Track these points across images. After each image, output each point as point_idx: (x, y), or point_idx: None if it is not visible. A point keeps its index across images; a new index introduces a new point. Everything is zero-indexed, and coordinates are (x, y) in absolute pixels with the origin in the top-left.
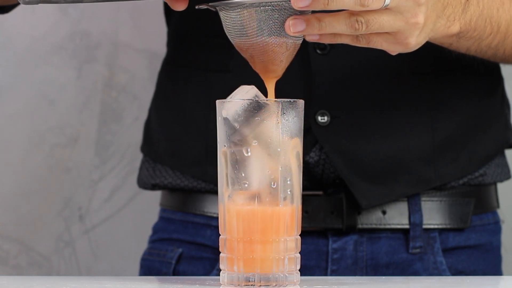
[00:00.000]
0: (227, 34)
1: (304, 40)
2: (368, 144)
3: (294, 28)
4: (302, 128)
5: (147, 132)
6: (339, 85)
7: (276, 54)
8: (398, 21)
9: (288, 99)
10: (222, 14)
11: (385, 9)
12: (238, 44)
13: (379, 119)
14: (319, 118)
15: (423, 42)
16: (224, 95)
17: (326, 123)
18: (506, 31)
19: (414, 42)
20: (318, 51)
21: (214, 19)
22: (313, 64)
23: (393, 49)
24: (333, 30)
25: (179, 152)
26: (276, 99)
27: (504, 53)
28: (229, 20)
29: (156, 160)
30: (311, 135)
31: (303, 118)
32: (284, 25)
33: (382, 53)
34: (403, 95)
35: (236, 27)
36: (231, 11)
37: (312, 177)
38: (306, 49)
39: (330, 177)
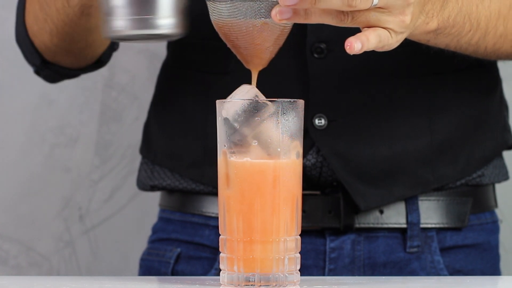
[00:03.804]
0: (213, 24)
1: (301, 44)
2: (366, 146)
3: (281, 15)
4: (302, 128)
5: (146, 134)
6: (336, 89)
7: (259, 46)
8: (385, 17)
9: (288, 99)
10: (210, 5)
11: (374, 7)
12: (223, 33)
13: (376, 122)
14: (316, 121)
15: (403, 39)
16: (223, 97)
17: (323, 127)
18: (486, 27)
19: (395, 40)
20: (315, 55)
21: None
22: (310, 67)
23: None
24: (319, 20)
25: (177, 154)
26: (276, 99)
27: (486, 50)
28: (216, 11)
29: (155, 162)
30: (308, 138)
31: (303, 118)
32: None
33: (379, 56)
34: (400, 97)
35: (222, 18)
36: (218, 3)
37: (309, 179)
38: (303, 53)
39: (327, 180)
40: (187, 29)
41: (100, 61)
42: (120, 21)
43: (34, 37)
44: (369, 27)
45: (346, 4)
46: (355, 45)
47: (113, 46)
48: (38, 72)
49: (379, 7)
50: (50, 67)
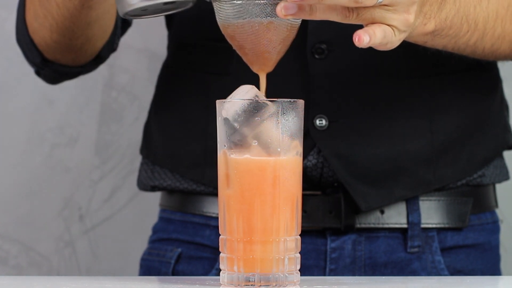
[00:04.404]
0: (219, 25)
1: (302, 45)
2: (367, 147)
3: (286, 11)
4: (302, 128)
5: (146, 134)
6: (337, 89)
7: (265, 47)
8: (390, 15)
9: (288, 99)
10: (215, 5)
11: (379, 5)
12: (229, 34)
13: (377, 123)
14: (317, 122)
15: (403, 39)
16: (223, 98)
17: (324, 127)
18: (484, 28)
19: (397, 38)
20: (316, 56)
21: (213, 22)
22: (311, 68)
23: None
24: (324, 17)
25: (178, 154)
26: (276, 99)
27: (484, 51)
28: (222, 12)
29: (155, 163)
30: (309, 139)
31: (303, 118)
32: (276, 16)
33: (380, 57)
34: (401, 98)
35: (229, 19)
36: (224, 3)
37: (310, 180)
38: (304, 54)
39: (328, 180)
40: None
41: (100, 57)
42: None
43: (34, 34)
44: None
45: (352, 0)
46: (364, 38)
47: (112, 42)
48: (38, 72)
49: (384, 5)
50: (50, 66)
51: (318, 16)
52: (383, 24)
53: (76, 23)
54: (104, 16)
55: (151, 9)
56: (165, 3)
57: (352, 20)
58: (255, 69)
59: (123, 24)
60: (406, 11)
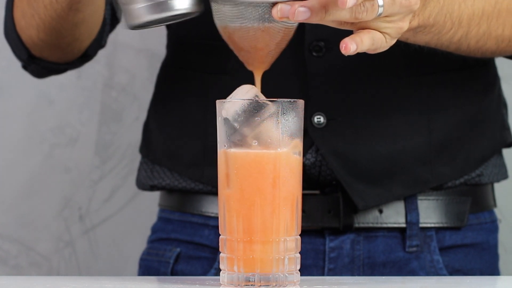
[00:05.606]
0: (217, 26)
1: (300, 43)
2: (365, 145)
3: (282, 13)
4: (302, 128)
5: (146, 133)
6: (335, 87)
7: (261, 50)
8: (385, 24)
9: (288, 99)
10: (214, 6)
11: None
12: (226, 36)
13: (375, 121)
14: (315, 120)
15: (394, 42)
16: (222, 97)
17: (322, 125)
18: (469, 25)
19: (388, 44)
20: (314, 53)
21: (212, 22)
22: (309, 66)
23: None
24: (319, 22)
25: (177, 153)
26: (276, 99)
27: (469, 48)
28: (220, 13)
29: (155, 162)
30: (307, 137)
31: (303, 118)
32: (273, 20)
33: (378, 55)
34: (399, 96)
35: (226, 21)
36: (222, 5)
37: (309, 178)
38: (302, 52)
39: (326, 179)
40: (203, 6)
41: (87, 55)
42: (140, 8)
43: (21, 32)
44: None
45: (353, 17)
46: (350, 46)
47: (100, 39)
48: (25, 67)
49: (383, 16)
50: (37, 62)
51: (314, 21)
52: (375, 30)
53: (63, 24)
54: (91, 17)
55: (158, 20)
56: (170, 17)
57: (346, 27)
58: (250, 68)
59: (112, 20)
60: (401, 20)
